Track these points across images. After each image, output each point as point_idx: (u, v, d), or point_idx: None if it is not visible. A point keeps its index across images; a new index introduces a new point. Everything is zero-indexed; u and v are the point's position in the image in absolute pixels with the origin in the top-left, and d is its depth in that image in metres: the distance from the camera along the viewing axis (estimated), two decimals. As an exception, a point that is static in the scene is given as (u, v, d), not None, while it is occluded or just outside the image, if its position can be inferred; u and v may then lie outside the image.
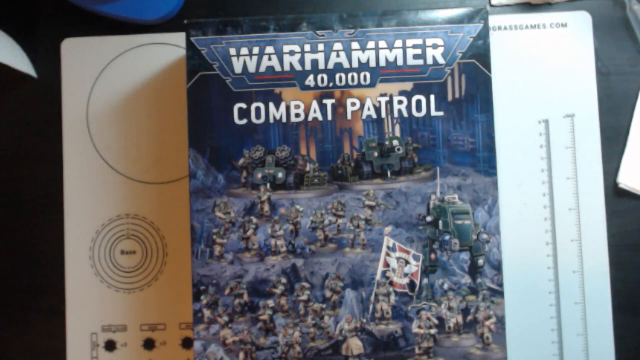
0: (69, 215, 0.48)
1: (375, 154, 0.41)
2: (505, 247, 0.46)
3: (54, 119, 0.48)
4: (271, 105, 0.41)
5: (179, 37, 0.48)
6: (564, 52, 0.47)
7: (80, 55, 0.48)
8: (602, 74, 0.47)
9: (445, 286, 0.40)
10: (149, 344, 0.47)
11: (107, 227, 0.48)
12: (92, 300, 0.47)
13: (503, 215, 0.45)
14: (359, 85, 0.40)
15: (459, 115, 0.40)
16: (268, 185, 0.41)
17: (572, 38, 0.47)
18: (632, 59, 0.47)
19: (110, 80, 0.48)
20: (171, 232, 0.47)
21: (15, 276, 0.48)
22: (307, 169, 0.41)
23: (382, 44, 0.40)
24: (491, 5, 0.48)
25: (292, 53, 0.41)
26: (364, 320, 0.40)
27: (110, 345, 0.47)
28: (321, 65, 0.41)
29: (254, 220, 0.41)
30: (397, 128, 0.41)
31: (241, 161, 0.40)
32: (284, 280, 0.40)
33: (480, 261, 0.40)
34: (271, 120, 0.41)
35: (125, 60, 0.48)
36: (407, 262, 0.40)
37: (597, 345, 0.46)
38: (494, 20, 0.47)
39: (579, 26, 0.47)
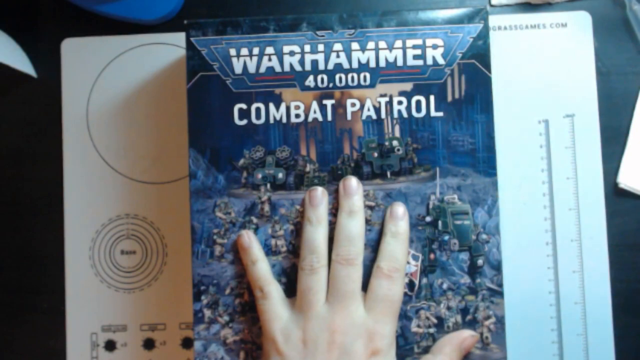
0: (69, 215, 0.48)
1: (375, 154, 0.40)
2: (505, 247, 0.46)
3: (54, 119, 0.48)
4: (271, 105, 0.41)
5: (179, 37, 0.48)
6: (564, 52, 0.47)
7: (80, 55, 0.48)
8: (602, 74, 0.47)
9: (445, 286, 0.40)
10: (149, 344, 0.47)
11: (107, 227, 0.48)
12: (92, 300, 0.47)
13: (503, 216, 0.45)
14: (359, 86, 0.40)
15: (459, 116, 0.40)
16: (268, 185, 0.41)
17: (572, 38, 0.47)
18: (632, 59, 0.47)
19: (110, 80, 0.48)
20: (171, 232, 0.47)
21: (15, 276, 0.48)
22: (307, 169, 0.41)
23: (382, 44, 0.40)
24: (491, 5, 0.48)
25: (292, 54, 0.41)
26: None
27: (110, 345, 0.47)
28: (321, 66, 0.41)
29: (255, 220, 0.40)
30: (397, 128, 0.40)
31: (241, 162, 0.40)
32: (284, 280, 0.40)
33: (480, 261, 0.40)
34: (271, 120, 0.41)
35: (125, 60, 0.48)
36: (406, 262, 0.40)
37: (597, 345, 0.46)
38: (494, 20, 0.47)
39: (579, 26, 0.47)
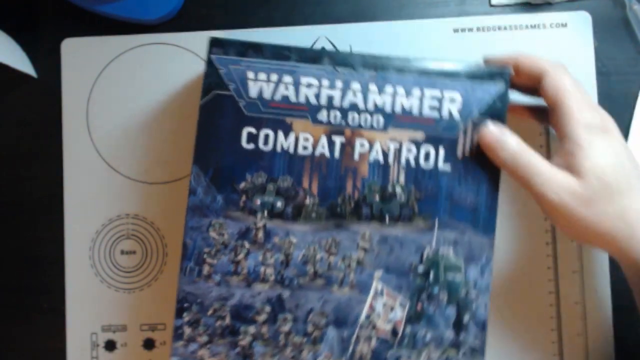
0: (69, 215, 0.48)
1: (377, 197, 0.40)
2: (506, 247, 0.46)
3: (54, 119, 0.48)
4: (280, 134, 0.40)
5: (179, 37, 0.48)
6: (564, 52, 0.47)
7: (80, 55, 0.48)
8: (602, 74, 0.47)
9: (428, 337, 0.39)
10: (149, 344, 0.47)
11: (107, 227, 0.48)
12: (92, 300, 0.47)
13: (503, 215, 0.45)
14: (371, 128, 0.40)
15: (466, 172, 0.40)
16: (266, 212, 0.40)
17: (572, 38, 0.47)
18: (632, 59, 0.47)
19: (110, 80, 0.48)
20: (171, 232, 0.47)
21: (15, 276, 0.48)
22: (307, 202, 0.40)
23: (400, 90, 0.40)
24: (491, 5, 0.48)
25: (309, 86, 0.40)
26: None
27: (110, 345, 0.47)
28: (336, 102, 0.40)
29: (247, 245, 0.40)
30: (403, 175, 0.40)
31: (242, 185, 0.40)
32: (268, 308, 0.40)
33: (466, 318, 0.39)
34: (278, 149, 0.40)
35: (125, 60, 0.48)
36: (392, 309, 0.39)
37: (597, 345, 0.46)
38: (494, 20, 0.47)
39: (579, 26, 0.47)
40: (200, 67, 0.48)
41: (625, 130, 0.46)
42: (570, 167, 0.37)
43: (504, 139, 0.38)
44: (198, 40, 0.48)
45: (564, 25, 0.47)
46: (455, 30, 0.47)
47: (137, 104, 0.48)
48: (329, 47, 0.47)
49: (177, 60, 0.48)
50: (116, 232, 0.48)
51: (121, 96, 0.48)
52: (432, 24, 0.47)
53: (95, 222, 0.48)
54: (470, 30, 0.47)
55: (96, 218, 0.48)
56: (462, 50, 0.47)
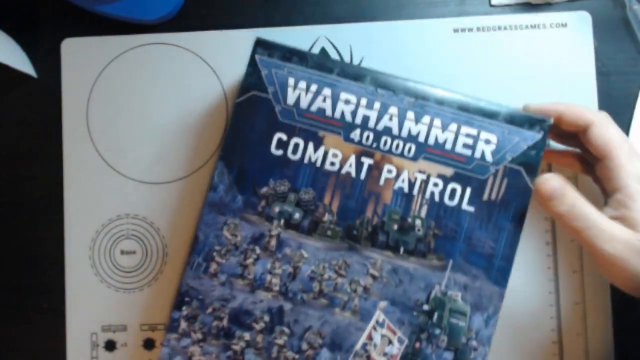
0: (69, 215, 0.48)
1: (395, 226, 0.40)
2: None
3: (54, 119, 0.48)
4: (311, 145, 0.40)
5: (179, 37, 0.48)
6: (564, 52, 0.47)
7: (80, 55, 0.48)
8: (602, 74, 0.47)
9: None
10: (149, 344, 0.47)
11: (107, 227, 0.48)
12: (92, 300, 0.47)
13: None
14: (401, 155, 0.40)
15: (489, 217, 0.39)
16: (282, 221, 0.40)
17: (572, 38, 0.47)
18: (632, 59, 0.47)
19: (110, 80, 0.48)
20: (171, 232, 0.47)
21: (15, 276, 0.48)
22: (325, 219, 0.40)
23: (437, 122, 0.39)
24: (491, 6, 0.48)
25: (347, 102, 0.40)
26: None
27: (110, 345, 0.47)
28: (371, 124, 0.40)
29: (258, 250, 0.40)
30: (424, 209, 0.40)
31: (264, 190, 0.40)
32: (267, 318, 0.40)
33: None
34: (306, 160, 0.40)
35: (125, 60, 0.48)
36: (390, 342, 0.39)
37: (597, 345, 0.46)
38: (494, 20, 0.47)
39: (579, 26, 0.47)
40: (200, 68, 0.48)
41: (625, 131, 0.46)
42: (624, 218, 0.36)
43: (563, 192, 0.37)
44: (198, 40, 0.48)
45: (564, 25, 0.47)
46: (455, 30, 0.47)
47: (137, 104, 0.48)
48: (328, 47, 0.47)
49: (177, 60, 0.48)
50: (116, 232, 0.48)
51: (121, 96, 0.48)
52: (432, 24, 0.47)
53: (95, 222, 0.48)
54: (470, 30, 0.47)
55: (96, 218, 0.48)
56: (462, 50, 0.47)
